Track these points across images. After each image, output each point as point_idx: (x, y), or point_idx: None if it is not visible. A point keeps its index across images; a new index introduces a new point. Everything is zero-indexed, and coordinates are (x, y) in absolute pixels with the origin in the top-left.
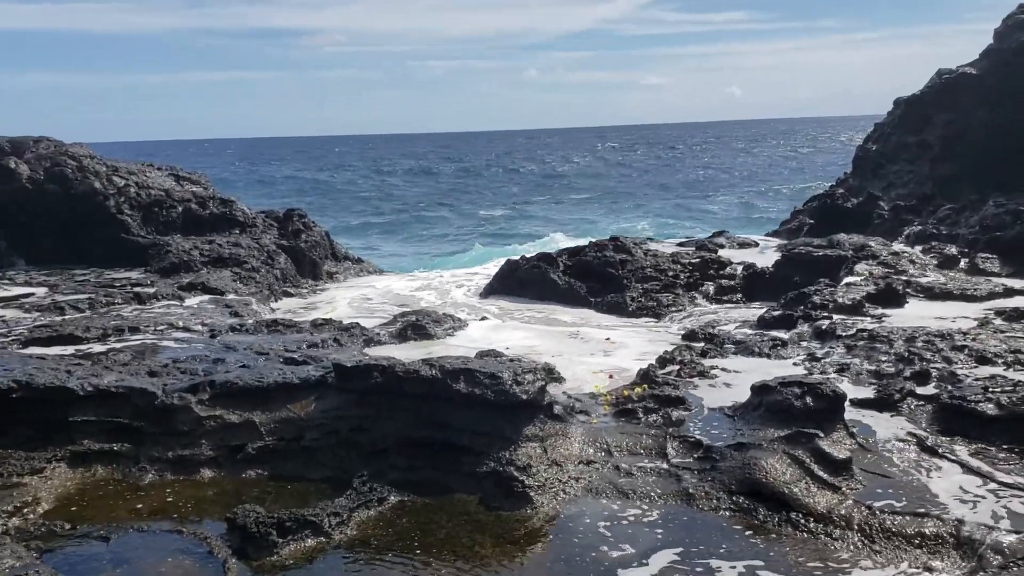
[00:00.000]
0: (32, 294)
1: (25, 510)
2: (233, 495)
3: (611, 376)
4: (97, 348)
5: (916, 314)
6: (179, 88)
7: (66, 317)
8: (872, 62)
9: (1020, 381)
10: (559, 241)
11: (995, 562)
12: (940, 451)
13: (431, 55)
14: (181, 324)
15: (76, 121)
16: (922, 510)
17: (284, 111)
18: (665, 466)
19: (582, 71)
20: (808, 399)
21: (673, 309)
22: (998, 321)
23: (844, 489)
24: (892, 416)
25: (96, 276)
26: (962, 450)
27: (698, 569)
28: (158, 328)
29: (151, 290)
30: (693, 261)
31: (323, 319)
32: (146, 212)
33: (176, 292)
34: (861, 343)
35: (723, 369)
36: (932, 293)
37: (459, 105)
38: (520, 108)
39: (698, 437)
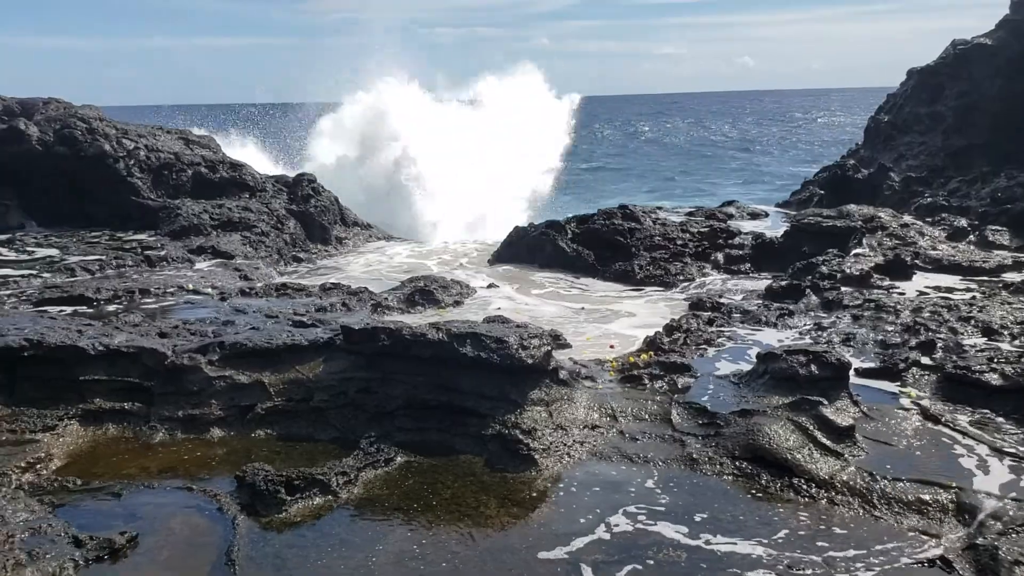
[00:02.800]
0: (44, 256)
1: (38, 466)
2: (242, 454)
3: (612, 346)
4: (108, 309)
5: (923, 285)
6: (188, 53)
7: (77, 278)
8: (887, 33)
9: None
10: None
11: (995, 529)
12: (943, 420)
13: (439, 22)
14: (191, 287)
15: (85, 84)
16: (923, 477)
17: (298, 75)
18: (670, 431)
19: (594, 40)
20: (813, 367)
21: (681, 278)
22: (1005, 293)
23: (846, 456)
24: (897, 385)
25: (107, 238)
26: (964, 419)
27: (700, 532)
28: (168, 290)
29: (161, 252)
30: (702, 230)
31: (332, 283)
32: (156, 175)
33: (186, 255)
34: (868, 313)
35: (729, 337)
36: (940, 265)
37: (469, 73)
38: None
39: (703, 403)
